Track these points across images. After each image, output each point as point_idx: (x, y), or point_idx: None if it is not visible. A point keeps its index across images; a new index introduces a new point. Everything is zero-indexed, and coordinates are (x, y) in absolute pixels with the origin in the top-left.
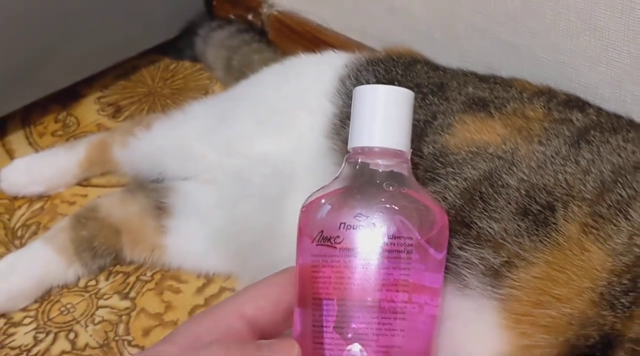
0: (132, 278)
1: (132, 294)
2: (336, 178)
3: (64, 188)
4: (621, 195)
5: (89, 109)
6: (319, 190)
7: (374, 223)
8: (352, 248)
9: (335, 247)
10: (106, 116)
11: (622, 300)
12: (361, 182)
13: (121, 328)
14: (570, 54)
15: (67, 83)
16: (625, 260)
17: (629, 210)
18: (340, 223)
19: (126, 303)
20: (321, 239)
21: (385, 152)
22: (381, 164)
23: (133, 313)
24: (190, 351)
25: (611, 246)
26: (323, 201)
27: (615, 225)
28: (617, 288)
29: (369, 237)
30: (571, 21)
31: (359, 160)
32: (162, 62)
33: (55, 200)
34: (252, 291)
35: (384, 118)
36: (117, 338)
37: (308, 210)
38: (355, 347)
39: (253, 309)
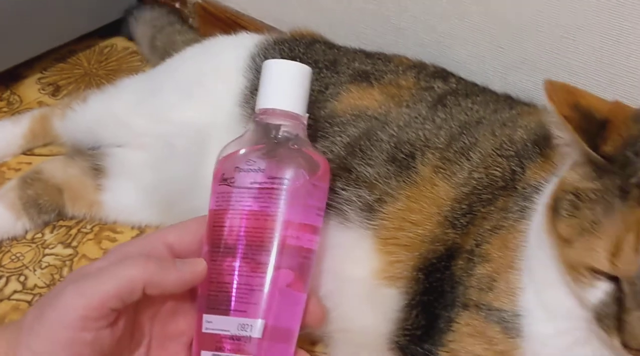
0: (73, 231)
1: (74, 243)
2: (244, 133)
3: (10, 157)
4: (464, 143)
5: (30, 89)
6: (230, 142)
7: (260, 168)
8: (242, 186)
9: (230, 186)
10: (46, 94)
11: (462, 220)
12: (262, 137)
13: (65, 271)
14: (445, 35)
15: (9, 65)
16: (464, 190)
17: (470, 153)
18: (235, 167)
19: (69, 251)
20: (221, 180)
21: (284, 114)
22: (280, 124)
23: (75, 259)
24: (117, 262)
25: (454, 180)
26: (230, 151)
27: (459, 165)
28: (458, 212)
29: (256, 178)
30: (444, 7)
31: (262, 120)
32: (97, 46)
33: (2, 167)
34: (176, 226)
35: (285, 87)
36: (62, 279)
37: (220, 158)
38: (242, 266)
39: (174, 237)
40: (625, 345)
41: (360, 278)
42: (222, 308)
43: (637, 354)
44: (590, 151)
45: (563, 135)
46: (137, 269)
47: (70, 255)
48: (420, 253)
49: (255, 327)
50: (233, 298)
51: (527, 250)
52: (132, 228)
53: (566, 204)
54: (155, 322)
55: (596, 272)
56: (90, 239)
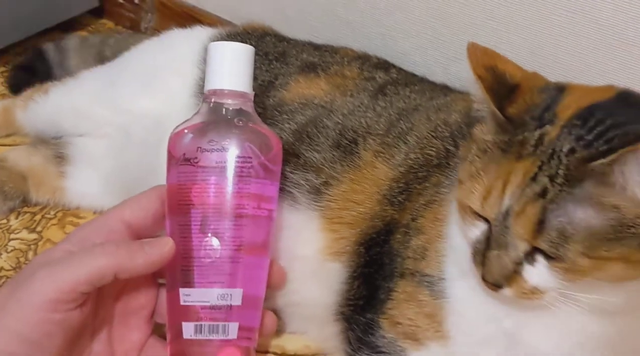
0: (38, 217)
1: (39, 228)
2: (196, 114)
3: None
4: (402, 128)
5: None
6: (183, 123)
7: (223, 147)
8: (207, 166)
9: (195, 165)
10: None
11: (399, 198)
12: (215, 116)
13: (30, 254)
14: (390, 28)
15: None
16: (401, 170)
17: (407, 137)
18: (198, 147)
19: (34, 236)
20: (184, 160)
21: (233, 94)
22: (230, 103)
23: (40, 243)
24: (87, 249)
25: (392, 162)
26: (186, 131)
27: (397, 148)
28: (395, 190)
29: (220, 157)
30: (389, 1)
31: (213, 100)
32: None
33: None
34: (129, 202)
35: (231, 67)
36: (27, 262)
37: (175, 138)
38: (214, 240)
39: (129, 214)
40: (483, 278)
41: (308, 256)
42: (199, 281)
43: (490, 287)
44: (495, 109)
45: (477, 93)
46: (108, 258)
47: (35, 239)
48: (362, 229)
49: (235, 296)
50: (209, 271)
51: (450, 217)
52: (94, 213)
53: (470, 153)
54: (118, 300)
55: (476, 213)
56: (54, 224)
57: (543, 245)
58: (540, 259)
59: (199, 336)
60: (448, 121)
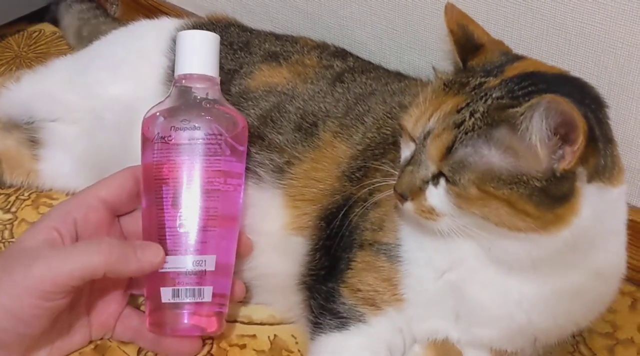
0: (12, 198)
1: (13, 209)
2: (167, 97)
3: None
4: (359, 111)
5: None
6: (154, 106)
7: (195, 125)
8: (180, 143)
9: (169, 143)
10: None
11: (357, 174)
12: (185, 99)
13: (6, 233)
14: (347, 18)
15: None
16: (359, 148)
17: (364, 118)
18: (171, 126)
19: (9, 216)
20: (158, 138)
21: (201, 77)
22: (199, 86)
23: (15, 222)
24: (83, 245)
25: (351, 141)
26: (158, 114)
27: (355, 128)
28: (354, 167)
29: (192, 135)
30: None
31: (182, 84)
32: (25, 31)
33: None
34: (105, 181)
35: (199, 53)
36: (3, 240)
37: (147, 121)
38: (187, 211)
39: (105, 192)
40: (394, 189)
41: (273, 231)
42: (175, 250)
43: (398, 197)
44: (458, 59)
45: (447, 45)
46: (101, 258)
47: (10, 219)
48: (323, 205)
49: (209, 262)
50: (185, 240)
51: None
52: (67, 194)
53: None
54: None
55: (409, 135)
56: (28, 205)
57: (445, 168)
58: (442, 183)
59: (177, 300)
60: (403, 103)
